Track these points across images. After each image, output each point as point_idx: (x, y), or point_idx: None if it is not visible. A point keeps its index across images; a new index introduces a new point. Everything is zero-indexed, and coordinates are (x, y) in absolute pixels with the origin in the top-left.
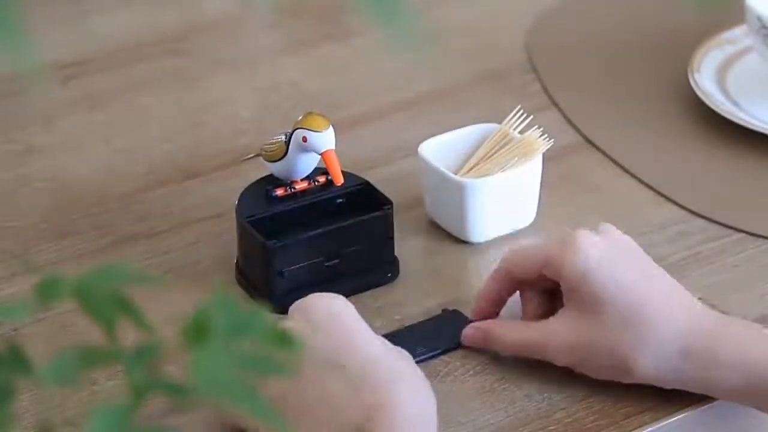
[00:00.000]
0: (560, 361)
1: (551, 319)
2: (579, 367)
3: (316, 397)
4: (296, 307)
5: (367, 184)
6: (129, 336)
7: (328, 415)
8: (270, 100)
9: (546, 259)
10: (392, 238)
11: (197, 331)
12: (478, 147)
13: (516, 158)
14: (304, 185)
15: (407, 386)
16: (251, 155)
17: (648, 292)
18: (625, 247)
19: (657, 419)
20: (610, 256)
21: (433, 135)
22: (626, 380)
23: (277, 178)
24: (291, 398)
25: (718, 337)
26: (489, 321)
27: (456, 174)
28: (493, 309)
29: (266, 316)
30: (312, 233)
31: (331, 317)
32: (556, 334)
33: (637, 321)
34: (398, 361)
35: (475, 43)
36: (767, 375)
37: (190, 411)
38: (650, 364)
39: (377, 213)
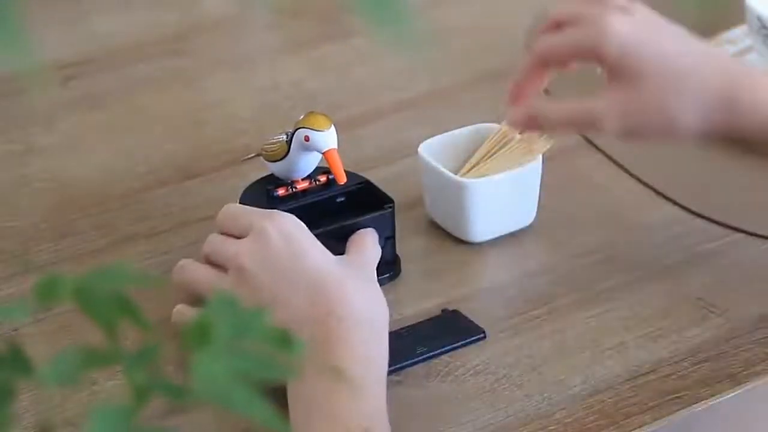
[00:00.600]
0: (613, 127)
1: (599, 94)
2: (630, 134)
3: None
4: (252, 224)
5: (368, 183)
6: (129, 336)
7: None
8: (270, 100)
9: (578, 46)
10: (393, 237)
11: (198, 333)
12: (478, 147)
13: (516, 158)
14: (305, 185)
15: (358, 293)
16: (251, 155)
17: (686, 53)
18: (655, 20)
19: (657, 419)
20: (644, 29)
21: (433, 135)
22: (676, 139)
23: (278, 178)
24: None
25: (757, 85)
26: (532, 99)
27: (456, 174)
28: (531, 87)
29: (267, 317)
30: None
31: (285, 236)
32: (607, 102)
33: (680, 78)
34: (348, 271)
35: (475, 43)
36: None
37: (190, 412)
38: (697, 116)
39: (379, 212)
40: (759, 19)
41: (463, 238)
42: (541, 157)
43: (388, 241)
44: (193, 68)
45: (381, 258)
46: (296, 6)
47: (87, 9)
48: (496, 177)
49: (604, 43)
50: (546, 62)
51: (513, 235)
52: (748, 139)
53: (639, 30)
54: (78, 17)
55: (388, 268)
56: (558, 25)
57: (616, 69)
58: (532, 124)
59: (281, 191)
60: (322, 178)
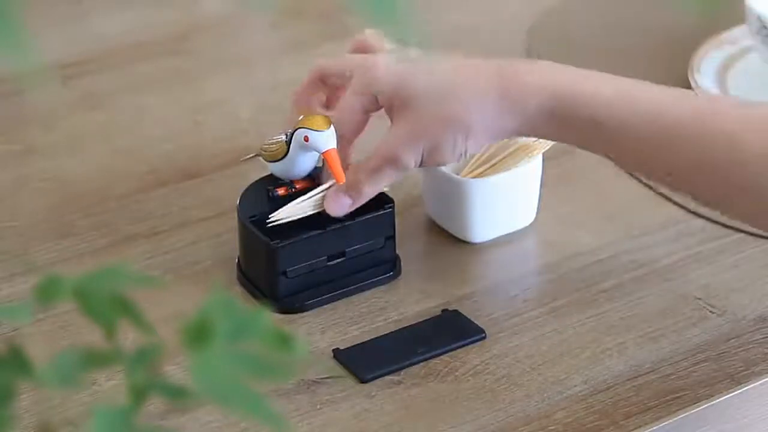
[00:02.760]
0: (410, 160)
1: (386, 135)
2: (430, 159)
3: None
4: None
5: None
6: (129, 336)
7: None
8: (270, 100)
9: (353, 68)
10: (393, 236)
11: (198, 333)
12: None
13: (516, 158)
14: (304, 185)
15: None
16: (250, 155)
17: (450, 68)
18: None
19: (657, 419)
20: (408, 65)
21: None
22: (471, 144)
23: (277, 178)
24: None
25: (526, 71)
26: (339, 184)
27: (456, 174)
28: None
29: (267, 317)
30: (314, 233)
31: None
32: (396, 140)
33: (455, 86)
34: None
35: (475, 43)
36: (564, 89)
37: (189, 411)
38: (480, 121)
39: (379, 212)
40: (759, 19)
41: (463, 238)
42: (541, 157)
43: (388, 241)
44: (193, 68)
45: (381, 258)
46: (296, 6)
47: (87, 9)
48: (496, 177)
49: (375, 84)
50: (322, 74)
51: (513, 235)
52: (524, 119)
53: (404, 67)
54: (78, 17)
55: (388, 268)
56: (323, 80)
57: (393, 103)
58: (354, 201)
59: (281, 191)
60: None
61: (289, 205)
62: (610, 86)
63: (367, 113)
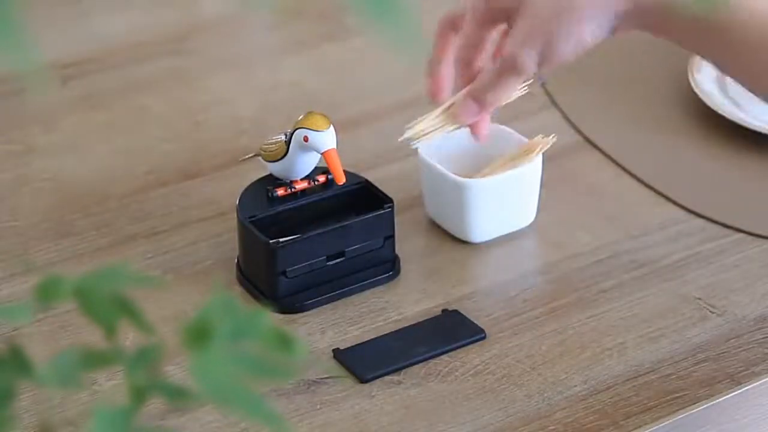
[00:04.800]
0: (528, 61)
1: (505, 42)
2: (547, 58)
3: None
4: None
5: (367, 182)
6: (129, 336)
7: None
8: (270, 100)
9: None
10: (393, 236)
11: (198, 334)
12: (478, 147)
13: (516, 158)
14: (304, 185)
15: None
16: (250, 155)
17: None
18: None
19: (657, 419)
20: None
21: None
22: (585, 30)
23: (277, 178)
24: None
25: None
26: (464, 91)
27: (459, 175)
28: (445, 53)
29: (267, 317)
30: (314, 233)
31: None
32: (511, 42)
33: None
34: None
35: None
36: None
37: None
38: (593, 6)
39: (379, 211)
40: None
41: (463, 238)
42: (541, 157)
43: (387, 240)
44: (193, 68)
45: (380, 258)
46: (296, 6)
47: (87, 9)
48: (496, 177)
49: None
50: (452, 23)
51: (513, 235)
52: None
53: None
54: (78, 17)
55: (388, 268)
56: (454, 25)
57: (509, 6)
58: (481, 107)
59: (281, 191)
60: (321, 178)
61: (419, 120)
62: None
63: (485, 32)
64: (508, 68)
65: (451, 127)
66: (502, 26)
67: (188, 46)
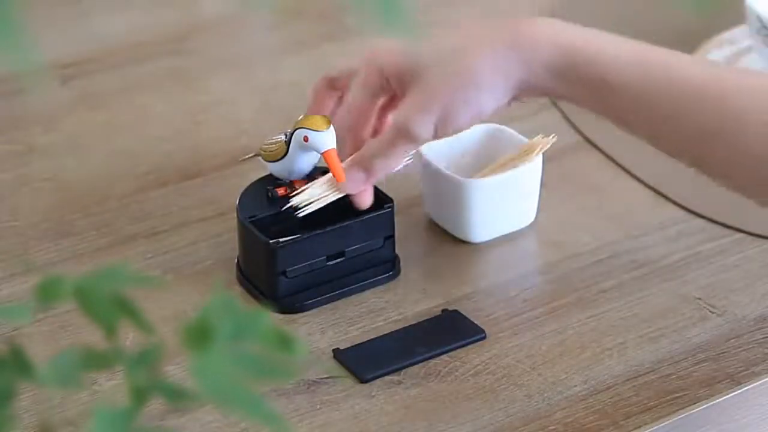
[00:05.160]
0: (424, 132)
1: (397, 109)
2: (443, 127)
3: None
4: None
5: None
6: (129, 336)
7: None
8: (270, 100)
9: (358, 64)
10: (393, 236)
11: (198, 333)
12: (478, 147)
13: (516, 158)
14: (304, 185)
15: None
16: (249, 155)
17: (456, 32)
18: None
19: (657, 419)
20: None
21: None
22: (484, 99)
23: (277, 178)
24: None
25: (537, 24)
26: (351, 159)
27: (457, 174)
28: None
29: (267, 317)
30: (314, 232)
31: None
32: (407, 110)
33: (460, 51)
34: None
35: None
36: (576, 50)
37: (189, 411)
38: (489, 73)
39: (379, 211)
40: (759, 19)
41: (463, 238)
42: (541, 157)
43: (387, 240)
44: (193, 68)
45: (380, 258)
46: (296, 6)
47: (87, 9)
48: (496, 177)
49: (381, 63)
50: (330, 84)
51: (513, 235)
52: (531, 72)
53: (399, 43)
54: (78, 17)
55: (388, 268)
56: (331, 86)
57: (404, 79)
58: (367, 178)
59: (281, 191)
60: (321, 178)
61: (305, 188)
62: (620, 46)
63: (376, 100)
64: (401, 135)
65: (337, 196)
66: (389, 95)
67: (188, 46)
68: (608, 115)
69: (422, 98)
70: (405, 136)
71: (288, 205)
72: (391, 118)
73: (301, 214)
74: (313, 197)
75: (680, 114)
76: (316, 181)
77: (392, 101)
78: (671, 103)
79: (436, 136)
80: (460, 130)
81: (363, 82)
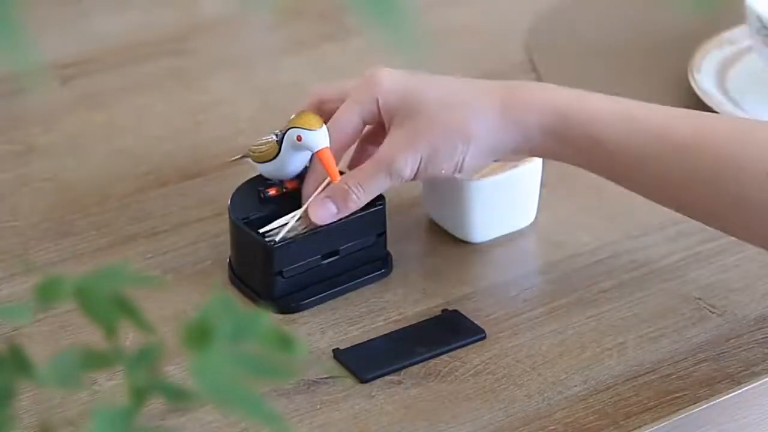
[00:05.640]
0: (406, 171)
1: (383, 144)
2: (423, 170)
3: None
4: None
5: None
6: (129, 336)
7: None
8: (270, 100)
9: (352, 89)
10: (385, 233)
11: (198, 333)
12: None
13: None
14: (295, 184)
15: None
16: (237, 156)
17: (454, 81)
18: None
19: (657, 419)
20: (410, 76)
21: None
22: (471, 153)
23: (267, 179)
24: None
25: (528, 88)
26: (327, 190)
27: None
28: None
29: (267, 318)
30: (310, 231)
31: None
32: (394, 146)
33: (457, 94)
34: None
35: (475, 43)
36: (566, 110)
37: (189, 411)
38: (482, 134)
39: (371, 209)
40: (759, 19)
41: (463, 238)
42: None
43: (379, 237)
44: (193, 68)
45: (372, 255)
46: (296, 6)
47: (87, 9)
48: (496, 177)
49: (378, 92)
50: (320, 101)
51: (513, 235)
52: (526, 137)
53: (406, 76)
54: (78, 17)
55: (380, 265)
56: (320, 106)
57: (396, 112)
58: (340, 211)
59: (272, 191)
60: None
61: (286, 221)
62: (610, 105)
63: (364, 123)
64: (382, 170)
65: (310, 230)
66: (375, 124)
67: (188, 46)
68: (599, 172)
69: (411, 138)
70: (387, 171)
71: (270, 238)
72: (371, 152)
73: (276, 238)
74: (290, 233)
75: (674, 169)
76: (293, 214)
77: (374, 134)
78: (664, 159)
79: (417, 176)
80: (438, 177)
81: (356, 102)
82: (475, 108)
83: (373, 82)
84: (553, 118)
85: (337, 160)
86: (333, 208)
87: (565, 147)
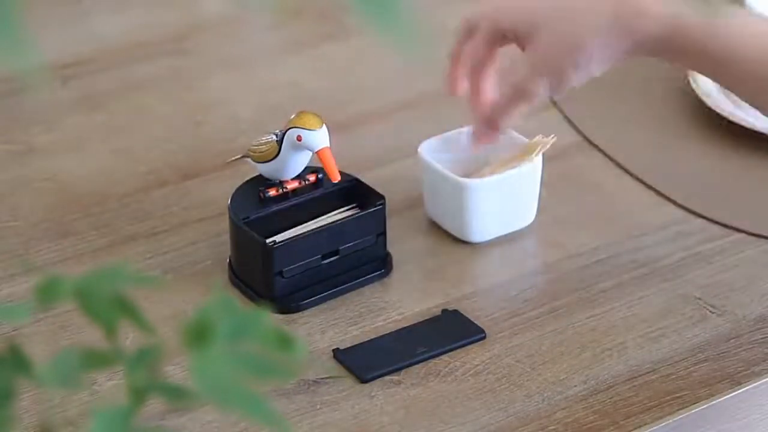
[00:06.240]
0: (540, 90)
1: (517, 69)
2: (557, 86)
3: None
4: None
5: (358, 181)
6: (129, 336)
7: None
8: (270, 100)
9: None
10: (385, 233)
11: (198, 333)
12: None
13: (516, 158)
14: (295, 184)
15: None
16: (237, 156)
17: None
18: None
19: (657, 419)
20: None
21: (433, 135)
22: (593, 65)
23: (267, 179)
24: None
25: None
26: (478, 120)
27: (457, 174)
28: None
29: (267, 317)
30: (309, 231)
31: None
32: (524, 75)
33: (570, 19)
34: None
35: None
36: (687, 25)
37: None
38: (597, 43)
39: (372, 209)
40: None
41: (463, 238)
42: (541, 157)
43: (379, 237)
44: (193, 68)
45: (372, 255)
46: (296, 6)
47: (87, 9)
48: (496, 177)
49: (499, 19)
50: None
51: (513, 235)
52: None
53: None
54: (78, 17)
55: (380, 265)
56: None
57: (519, 33)
58: (494, 130)
59: (272, 191)
60: (312, 177)
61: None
62: (725, 21)
63: (493, 47)
64: (519, 95)
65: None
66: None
67: (188, 46)
68: (711, 78)
69: (536, 61)
70: (522, 95)
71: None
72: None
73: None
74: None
75: None
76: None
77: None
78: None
79: (551, 93)
80: (572, 88)
81: (482, 34)
82: (587, 20)
83: (492, 8)
84: (667, 29)
85: (480, 88)
86: (491, 133)
87: (677, 56)
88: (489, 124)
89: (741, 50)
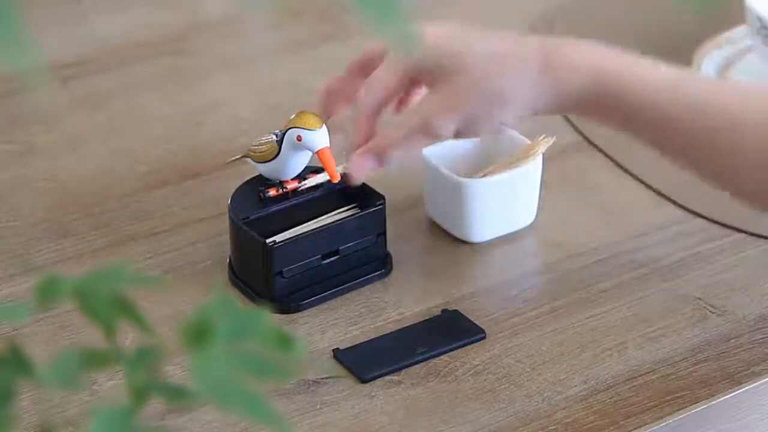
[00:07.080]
0: (446, 130)
1: (422, 101)
2: (464, 131)
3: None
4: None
5: None
6: (129, 336)
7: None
8: (270, 100)
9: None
10: (384, 233)
11: (198, 333)
12: (478, 147)
13: (516, 158)
14: (294, 184)
15: None
16: (236, 157)
17: (497, 40)
18: (460, 25)
19: (657, 419)
20: (452, 31)
21: None
22: (507, 116)
23: (266, 179)
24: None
25: (570, 49)
26: (366, 147)
27: (457, 174)
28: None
29: (267, 317)
30: (309, 231)
31: None
32: (435, 109)
33: (500, 59)
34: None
35: None
36: (610, 75)
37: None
38: (519, 93)
39: (372, 209)
40: (759, 19)
41: (463, 238)
42: (541, 157)
43: (379, 237)
44: (193, 68)
45: (372, 255)
46: (296, 6)
47: (87, 9)
48: (496, 177)
49: (426, 47)
50: (364, 66)
51: (513, 235)
52: (561, 95)
53: (445, 32)
54: (78, 17)
55: (380, 265)
56: (366, 65)
57: (434, 71)
58: (378, 161)
59: (272, 191)
60: (311, 178)
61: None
62: (656, 75)
63: (404, 83)
64: (421, 130)
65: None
66: (414, 83)
67: (188, 46)
68: (639, 138)
69: (449, 102)
70: (426, 131)
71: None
72: (409, 109)
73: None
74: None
75: (711, 136)
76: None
77: (407, 94)
78: (701, 128)
79: (456, 137)
80: (478, 136)
81: (401, 72)
82: (514, 69)
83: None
84: (595, 84)
85: (377, 119)
86: (373, 162)
87: (605, 113)
88: (378, 156)
89: (651, 101)
